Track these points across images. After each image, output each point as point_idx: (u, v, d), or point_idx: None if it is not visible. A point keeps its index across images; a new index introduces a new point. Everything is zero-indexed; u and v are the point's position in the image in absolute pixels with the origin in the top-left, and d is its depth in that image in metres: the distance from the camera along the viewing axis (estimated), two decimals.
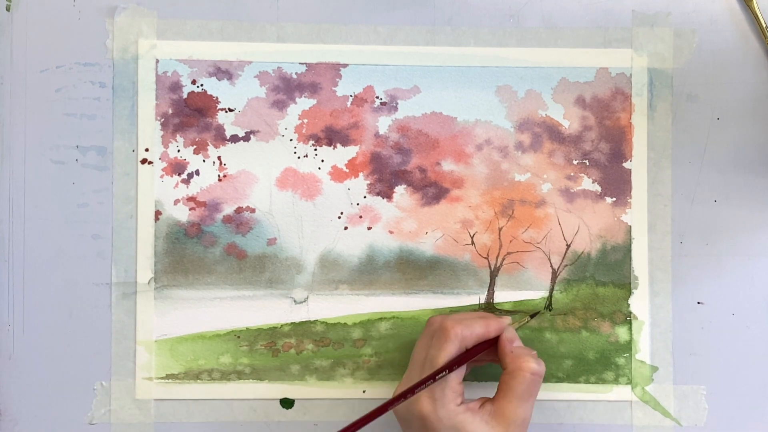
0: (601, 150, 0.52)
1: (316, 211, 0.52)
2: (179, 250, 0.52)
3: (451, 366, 0.44)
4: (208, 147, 0.52)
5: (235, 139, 0.52)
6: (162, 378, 0.52)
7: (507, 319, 0.48)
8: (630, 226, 0.52)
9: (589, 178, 0.52)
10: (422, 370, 0.45)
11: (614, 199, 0.52)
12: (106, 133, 0.52)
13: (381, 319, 0.52)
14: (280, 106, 0.52)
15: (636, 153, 0.52)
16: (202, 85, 0.52)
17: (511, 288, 0.52)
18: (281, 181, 0.52)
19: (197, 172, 0.52)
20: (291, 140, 0.52)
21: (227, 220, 0.52)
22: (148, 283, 0.51)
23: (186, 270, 0.52)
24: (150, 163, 0.52)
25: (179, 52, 0.52)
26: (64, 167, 0.52)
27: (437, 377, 0.44)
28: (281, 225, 0.52)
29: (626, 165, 0.52)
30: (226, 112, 0.52)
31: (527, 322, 0.51)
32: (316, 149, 0.52)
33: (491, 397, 0.46)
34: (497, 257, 0.52)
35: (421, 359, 0.46)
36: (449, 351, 0.45)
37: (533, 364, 0.45)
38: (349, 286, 0.52)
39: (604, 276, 0.52)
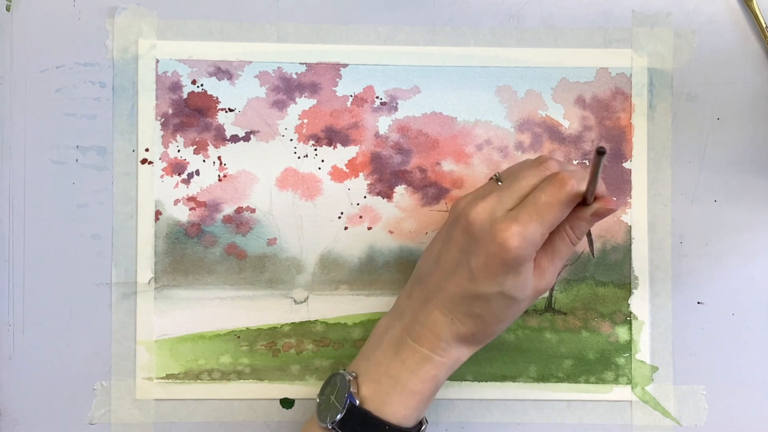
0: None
1: (316, 211, 0.52)
2: (179, 250, 0.52)
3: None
4: (208, 147, 0.52)
5: (235, 139, 0.52)
6: (162, 378, 0.52)
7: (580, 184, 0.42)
8: (630, 226, 0.52)
9: None
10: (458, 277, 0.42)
11: (614, 199, 0.52)
12: (106, 133, 0.52)
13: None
14: (280, 106, 0.52)
15: (636, 153, 0.52)
16: (202, 85, 0.52)
17: None
18: (281, 181, 0.52)
19: (197, 172, 0.52)
20: (291, 140, 0.52)
21: (227, 220, 0.52)
22: (148, 283, 0.51)
23: (186, 270, 0.52)
24: (150, 163, 0.52)
25: (179, 52, 0.52)
26: (64, 167, 0.52)
27: None
28: (281, 225, 0.52)
29: (626, 165, 0.52)
30: (226, 112, 0.52)
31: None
32: (316, 149, 0.52)
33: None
34: None
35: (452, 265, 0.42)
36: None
37: (577, 241, 0.43)
38: (349, 286, 0.52)
39: (604, 276, 0.52)
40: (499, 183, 0.43)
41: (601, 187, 0.42)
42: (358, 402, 0.42)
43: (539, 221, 0.40)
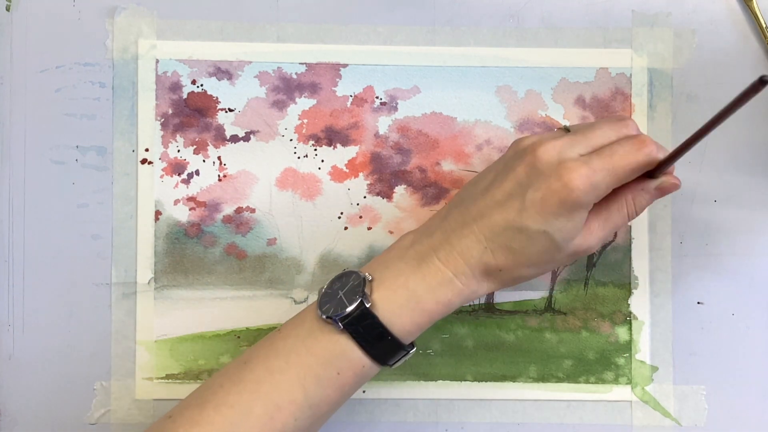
0: None
1: (316, 211, 0.52)
2: (179, 250, 0.52)
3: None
4: (208, 147, 0.52)
5: (235, 139, 0.52)
6: (162, 378, 0.52)
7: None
8: (630, 226, 0.52)
9: None
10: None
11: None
12: (106, 133, 0.52)
13: None
14: (280, 106, 0.52)
15: None
16: (202, 85, 0.52)
17: (510, 288, 0.52)
18: (281, 181, 0.52)
19: (197, 172, 0.52)
20: (291, 140, 0.52)
21: (227, 220, 0.52)
22: (148, 283, 0.51)
23: (186, 270, 0.52)
24: (150, 163, 0.52)
25: (179, 52, 0.52)
26: (64, 167, 0.52)
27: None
28: (281, 225, 0.52)
29: None
30: (226, 112, 0.52)
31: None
32: (316, 149, 0.52)
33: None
34: None
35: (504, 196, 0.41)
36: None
37: (636, 215, 0.43)
38: None
39: (604, 276, 0.52)
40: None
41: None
42: (369, 305, 0.41)
43: (610, 172, 0.40)
